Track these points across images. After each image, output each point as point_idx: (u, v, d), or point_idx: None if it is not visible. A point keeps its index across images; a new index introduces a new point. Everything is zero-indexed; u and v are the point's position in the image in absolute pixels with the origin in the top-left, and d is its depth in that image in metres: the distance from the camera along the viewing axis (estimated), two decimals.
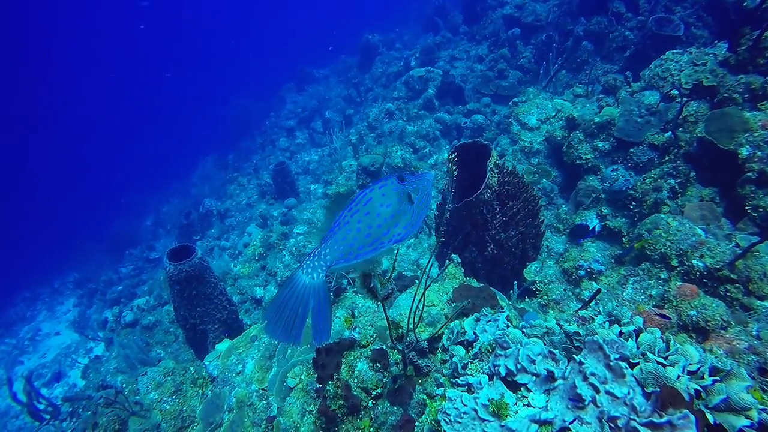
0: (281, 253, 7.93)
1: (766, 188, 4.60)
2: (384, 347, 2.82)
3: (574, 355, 1.78)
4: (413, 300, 2.68)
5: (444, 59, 12.21)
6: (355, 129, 12.03)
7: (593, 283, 4.42)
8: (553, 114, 6.93)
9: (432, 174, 1.95)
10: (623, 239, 5.07)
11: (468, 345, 2.31)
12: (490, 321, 2.28)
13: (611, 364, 1.69)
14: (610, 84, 6.77)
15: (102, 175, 31.58)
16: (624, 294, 4.25)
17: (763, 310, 3.76)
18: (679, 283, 3.66)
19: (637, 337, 1.92)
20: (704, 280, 4.05)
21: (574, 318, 2.23)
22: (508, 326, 2.16)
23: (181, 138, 30.55)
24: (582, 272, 4.45)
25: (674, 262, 4.21)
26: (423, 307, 2.55)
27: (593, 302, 2.71)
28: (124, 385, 4.82)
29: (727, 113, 4.89)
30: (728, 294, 3.91)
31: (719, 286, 3.98)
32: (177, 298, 5.33)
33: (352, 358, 2.84)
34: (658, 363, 1.63)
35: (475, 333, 2.28)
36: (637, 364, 1.70)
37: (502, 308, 2.67)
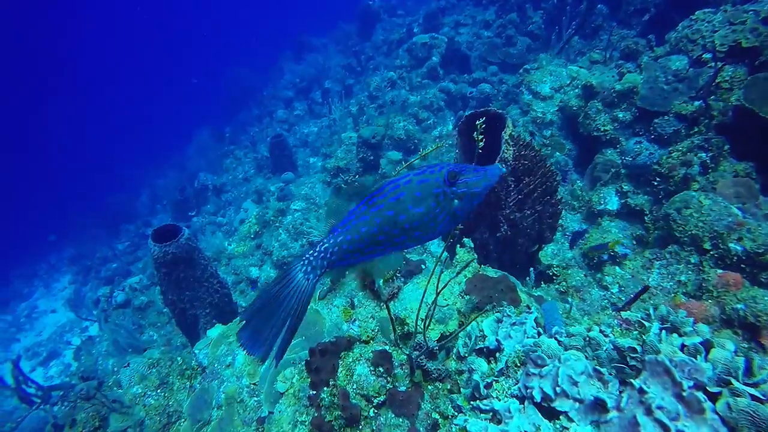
0: (277, 231, 7.54)
1: None
2: (387, 348, 2.45)
3: (632, 380, 1.39)
4: (423, 295, 2.29)
5: (449, 25, 11.54)
6: (355, 99, 11.48)
7: (616, 267, 4.03)
8: (568, 82, 6.42)
9: (497, 173, 1.53)
10: (645, 218, 4.66)
11: (490, 354, 1.93)
12: (515, 324, 1.89)
13: (684, 394, 1.30)
14: (630, 49, 6.22)
15: (98, 147, 30.93)
16: (650, 280, 3.87)
17: None
18: (719, 271, 3.27)
19: (707, 353, 1.52)
20: (742, 266, 3.65)
21: (617, 321, 1.83)
22: (539, 333, 1.77)
23: (176, 109, 29.79)
24: (605, 256, 4.06)
25: (707, 245, 3.80)
26: (434, 308, 2.16)
27: (648, 304, 2.32)
28: (115, 369, 4.51)
29: None
30: None
31: (760, 272, 3.59)
32: (164, 281, 4.96)
33: (350, 360, 2.47)
34: (754, 398, 1.24)
35: (497, 340, 1.90)
36: (719, 394, 1.31)
37: (529, 308, 2.28)
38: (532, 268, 3.88)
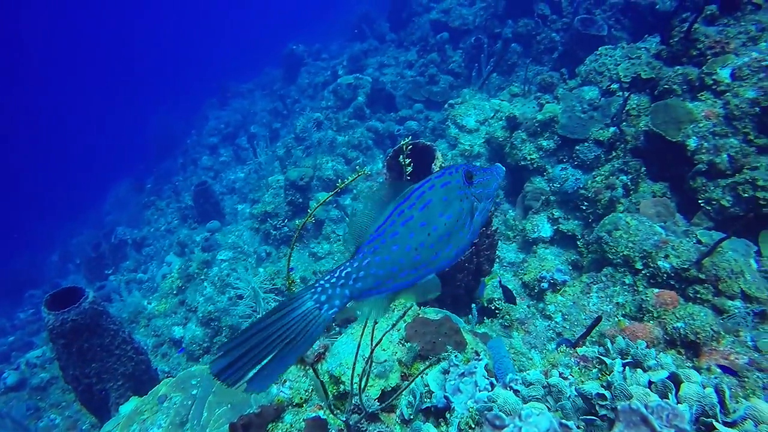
0: (202, 285, 6.94)
1: (716, 180, 4.40)
2: (321, 414, 2.10)
3: None
4: (357, 348, 2.00)
5: (373, 66, 11.74)
6: (282, 142, 11.23)
7: (558, 296, 3.96)
8: (492, 114, 6.57)
9: (502, 172, 1.46)
10: (578, 242, 4.69)
11: (439, 415, 1.66)
12: (464, 375, 1.65)
13: None
14: (546, 82, 6.52)
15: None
16: (590, 305, 3.82)
17: (736, 311, 3.45)
18: (656, 291, 3.25)
19: (677, 389, 1.35)
20: (671, 282, 3.70)
21: (574, 360, 1.64)
22: (492, 384, 1.54)
23: (91, 161, 27.87)
24: (545, 284, 3.98)
25: (638, 265, 3.84)
26: (371, 365, 1.88)
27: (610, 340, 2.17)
28: None
29: (671, 105, 4.68)
30: (698, 296, 3.57)
31: (687, 287, 3.65)
32: (63, 354, 4.26)
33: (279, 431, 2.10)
34: None
35: (446, 397, 1.64)
36: None
37: (478, 354, 2.05)
38: (474, 304, 3.70)
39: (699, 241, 4.00)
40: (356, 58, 12.23)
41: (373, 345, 1.77)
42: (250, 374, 1.12)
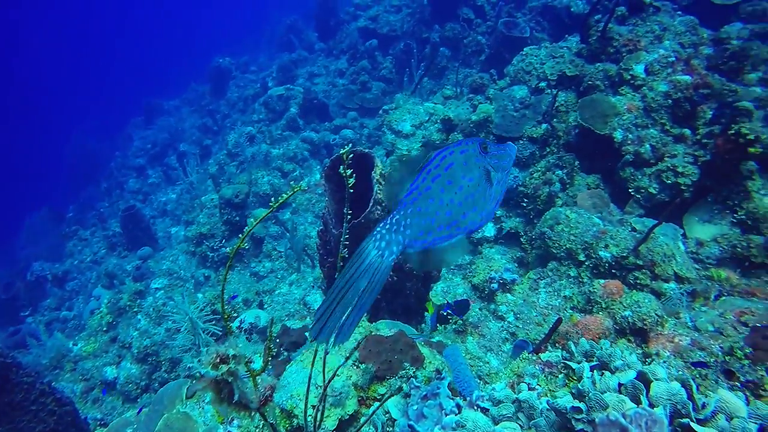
0: (136, 318, 6.40)
1: (642, 169, 4.60)
2: None
3: None
4: (309, 378, 1.81)
5: (303, 77, 11.52)
6: (213, 159, 10.73)
7: (508, 295, 3.95)
8: (427, 118, 6.58)
9: (515, 148, 1.56)
10: (522, 239, 4.74)
11: None
12: (427, 398, 1.51)
13: None
14: (477, 83, 6.62)
15: None
16: (539, 301, 3.84)
17: (672, 293, 3.59)
18: (602, 282, 3.31)
19: (647, 389, 1.29)
20: (613, 271, 3.80)
21: (539, 367, 1.55)
22: (458, 406, 1.41)
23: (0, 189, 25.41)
24: (495, 285, 3.96)
25: (581, 257, 3.91)
26: (324, 401, 1.70)
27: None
28: None
29: (596, 100, 4.87)
30: (638, 282, 3.69)
31: (628, 274, 3.75)
32: None
33: None
34: None
35: (410, 426, 1.50)
36: None
37: (440, 373, 1.92)
38: (426, 312, 3.61)
39: (634, 229, 4.14)
40: (286, 68, 11.95)
41: (328, 379, 1.60)
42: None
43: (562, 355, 1.60)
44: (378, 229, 1.34)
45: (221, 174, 9.19)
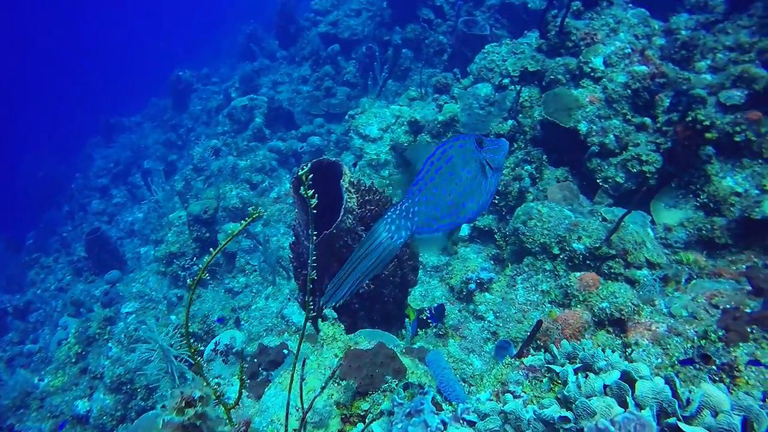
0: (106, 346, 6.14)
1: (608, 159, 4.68)
2: None
3: None
4: (288, 400, 1.74)
5: (266, 86, 11.36)
6: (179, 175, 10.46)
7: (486, 294, 3.94)
8: (394, 121, 6.55)
9: (507, 143, 1.70)
10: (496, 236, 4.75)
11: None
12: (411, 415, 1.46)
13: None
14: (441, 83, 6.64)
15: None
16: (518, 297, 3.84)
17: (645, 279, 3.64)
18: (578, 275, 3.33)
19: (632, 390, 1.28)
20: (587, 262, 3.84)
21: (522, 372, 1.53)
22: (444, 423, 1.36)
23: None
24: (473, 285, 3.95)
25: (555, 250, 3.94)
26: (304, 428, 1.63)
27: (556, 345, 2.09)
28: None
29: (559, 94, 4.93)
30: (612, 271, 3.73)
31: (602, 264, 3.80)
32: None
33: None
34: None
35: None
36: None
37: (422, 387, 1.88)
38: (406, 318, 3.57)
39: (604, 219, 4.21)
40: (248, 78, 11.77)
41: (308, 404, 1.54)
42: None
43: (545, 359, 1.58)
44: (389, 213, 1.49)
45: (188, 190, 8.96)
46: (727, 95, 4.31)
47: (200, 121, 13.32)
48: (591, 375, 1.37)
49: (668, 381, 1.30)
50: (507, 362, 1.72)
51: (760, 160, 4.07)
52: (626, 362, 1.42)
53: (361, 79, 9.45)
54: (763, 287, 2.87)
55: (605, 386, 1.31)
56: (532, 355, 1.62)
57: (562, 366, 1.50)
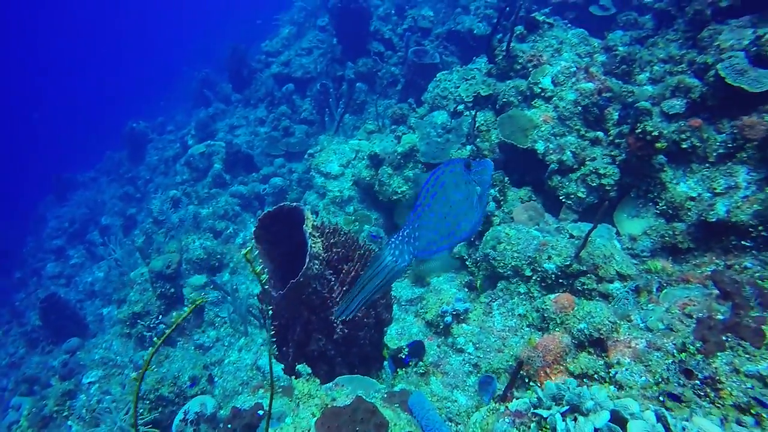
0: (66, 425, 5.69)
1: (568, 176, 4.76)
2: None
3: None
4: None
5: (223, 130, 11.24)
6: (140, 229, 10.10)
7: (464, 325, 3.86)
8: (354, 156, 6.54)
9: (492, 164, 1.83)
10: (467, 263, 4.71)
11: None
12: None
13: None
14: (397, 114, 6.69)
15: None
16: (496, 324, 3.78)
17: (618, 292, 3.65)
18: (552, 297, 3.30)
19: (623, 429, 1.20)
20: (560, 281, 3.82)
21: (509, 419, 1.44)
22: None
23: None
24: (449, 318, 3.86)
25: (528, 272, 3.91)
26: None
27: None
28: None
29: (514, 116, 5.02)
30: (585, 287, 3.72)
31: (574, 281, 3.79)
32: None
33: None
34: None
35: None
36: None
37: None
38: (386, 359, 3.44)
39: (571, 236, 4.23)
40: (204, 124, 11.61)
41: None
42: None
43: (530, 401, 1.50)
44: (392, 240, 1.67)
45: (149, 244, 8.63)
46: (670, 105, 4.49)
47: (158, 171, 13.03)
48: (580, 418, 1.29)
49: (659, 417, 1.24)
50: (491, 408, 1.63)
51: (707, 164, 4.21)
52: (614, 401, 1.36)
53: (318, 116, 9.47)
54: (729, 290, 2.89)
55: (596, 430, 1.24)
56: (517, 398, 1.54)
57: (549, 409, 1.43)
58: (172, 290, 6.57)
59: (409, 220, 1.66)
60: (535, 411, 1.43)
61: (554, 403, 1.45)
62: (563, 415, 1.35)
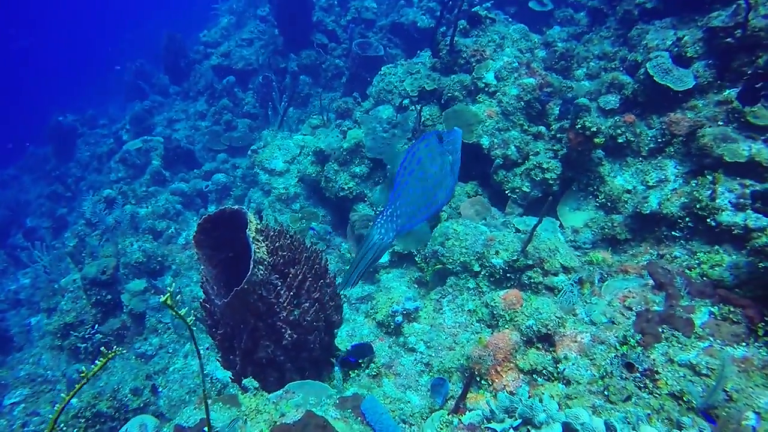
0: None
1: (513, 170, 4.84)
2: None
3: None
4: None
5: (161, 124, 10.67)
6: (71, 231, 9.42)
7: (415, 324, 3.85)
8: (299, 151, 6.36)
9: (461, 131, 1.98)
10: (416, 259, 4.71)
11: None
12: None
13: None
14: (342, 108, 6.57)
15: None
16: (446, 321, 3.79)
17: (563, 285, 3.75)
18: (501, 293, 3.33)
19: None
20: (508, 275, 3.89)
21: None
22: None
23: None
24: (399, 318, 3.83)
25: (476, 267, 3.95)
26: None
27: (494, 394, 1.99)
28: None
29: (459, 110, 5.04)
30: (532, 281, 3.80)
31: (522, 275, 3.86)
32: None
33: None
34: None
35: None
36: None
37: None
38: (335, 363, 3.37)
39: (517, 230, 4.32)
40: (140, 118, 10.96)
41: None
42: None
43: (483, 414, 1.48)
44: (378, 219, 1.90)
45: (82, 248, 8.06)
46: (605, 100, 4.65)
47: (91, 168, 12.22)
48: (530, 430, 1.28)
49: (609, 427, 1.25)
50: (445, 420, 1.61)
51: (640, 158, 4.41)
52: (565, 411, 1.35)
53: (262, 109, 9.17)
54: (663, 281, 3.03)
55: None
56: (470, 410, 1.52)
57: (502, 422, 1.41)
58: (109, 297, 6.17)
59: (390, 199, 1.87)
60: (489, 426, 1.41)
61: (507, 416, 1.44)
62: (516, 429, 1.34)
